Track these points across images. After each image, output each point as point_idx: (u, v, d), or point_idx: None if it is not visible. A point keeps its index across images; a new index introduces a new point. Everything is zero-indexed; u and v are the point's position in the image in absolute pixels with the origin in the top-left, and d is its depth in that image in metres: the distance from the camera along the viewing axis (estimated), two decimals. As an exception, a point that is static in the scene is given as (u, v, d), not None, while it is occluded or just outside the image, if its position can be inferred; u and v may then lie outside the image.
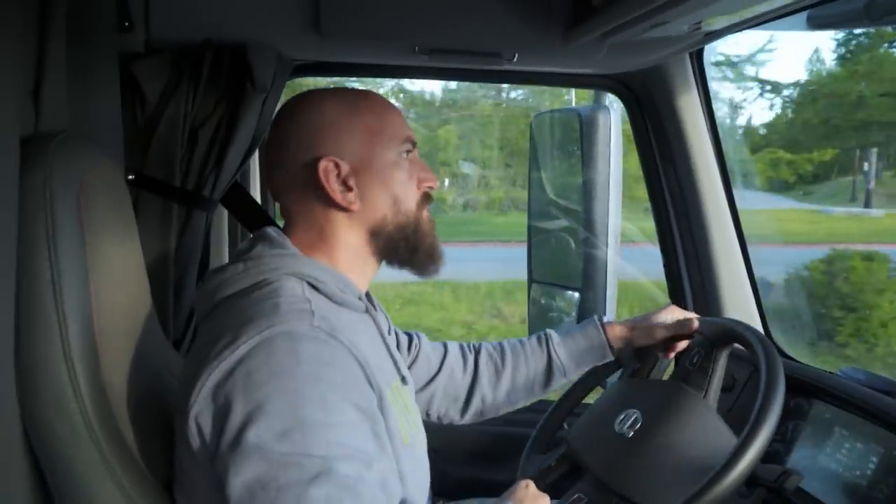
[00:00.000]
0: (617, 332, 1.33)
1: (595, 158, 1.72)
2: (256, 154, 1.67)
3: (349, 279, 1.01)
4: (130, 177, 1.34)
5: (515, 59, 1.43)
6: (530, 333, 2.03)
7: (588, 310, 1.76)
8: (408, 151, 1.04)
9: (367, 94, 1.06)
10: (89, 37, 1.19)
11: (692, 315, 1.31)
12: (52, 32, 0.99)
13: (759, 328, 1.64)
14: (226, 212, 1.62)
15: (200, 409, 0.83)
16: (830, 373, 1.36)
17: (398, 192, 1.03)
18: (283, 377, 0.81)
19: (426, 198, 1.07)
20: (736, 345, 1.22)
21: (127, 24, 1.32)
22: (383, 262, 1.07)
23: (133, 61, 1.36)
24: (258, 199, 1.71)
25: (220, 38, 1.36)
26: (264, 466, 0.77)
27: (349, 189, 1.00)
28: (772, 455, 1.25)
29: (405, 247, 1.05)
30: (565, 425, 1.55)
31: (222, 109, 1.36)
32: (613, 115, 1.71)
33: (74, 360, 0.86)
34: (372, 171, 1.01)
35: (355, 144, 1.00)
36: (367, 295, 1.10)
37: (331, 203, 0.99)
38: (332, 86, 1.48)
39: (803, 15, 1.29)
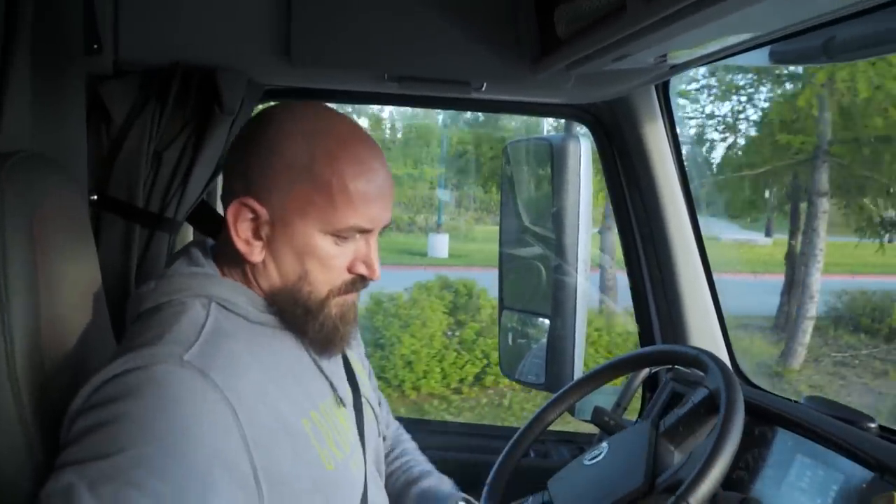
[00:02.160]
0: None
1: (566, 187, 1.74)
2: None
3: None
4: (93, 197, 1.33)
5: (484, 88, 1.45)
6: (500, 360, 2.04)
7: (557, 337, 1.77)
8: (353, 237, 0.93)
9: (345, 146, 0.91)
10: (57, 58, 1.18)
11: None
12: (16, 53, 0.98)
13: (725, 355, 1.65)
14: (191, 232, 1.61)
15: (65, 419, 0.82)
16: (795, 402, 1.38)
17: (311, 269, 0.93)
18: (127, 422, 0.77)
19: (352, 285, 0.96)
20: (697, 371, 1.23)
21: (95, 46, 1.32)
22: None
23: (101, 83, 1.35)
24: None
25: (189, 62, 1.36)
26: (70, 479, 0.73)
27: (258, 238, 0.92)
28: (735, 482, 1.26)
29: (292, 322, 0.95)
30: (532, 452, 1.55)
31: (188, 132, 1.36)
32: (584, 145, 1.74)
33: (20, 380, 0.84)
34: (289, 236, 0.91)
35: (288, 201, 0.90)
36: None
37: (235, 245, 0.92)
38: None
39: (766, 50, 1.32)
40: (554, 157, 1.77)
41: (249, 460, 0.83)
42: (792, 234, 8.87)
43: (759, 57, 1.37)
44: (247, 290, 0.95)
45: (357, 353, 1.17)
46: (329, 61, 1.38)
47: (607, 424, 1.35)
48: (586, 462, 1.21)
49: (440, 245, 13.35)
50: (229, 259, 0.97)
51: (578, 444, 1.83)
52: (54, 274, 0.92)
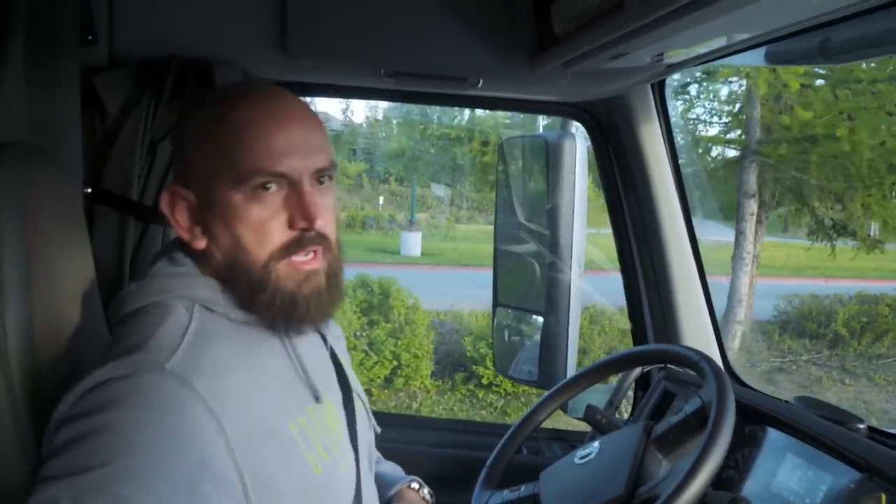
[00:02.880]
0: None
1: (560, 184, 1.74)
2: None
3: None
4: (88, 190, 1.33)
5: (480, 85, 1.45)
6: (494, 357, 2.04)
7: (551, 334, 1.77)
8: (275, 184, 0.87)
9: (237, 98, 0.89)
10: (51, 49, 1.17)
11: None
12: (10, 46, 0.98)
13: (717, 354, 1.66)
14: None
15: (49, 427, 0.80)
16: (785, 402, 1.38)
17: (243, 235, 0.88)
18: (111, 433, 0.76)
19: (296, 245, 0.89)
20: (689, 371, 1.24)
21: (90, 37, 1.31)
22: None
23: (96, 74, 1.35)
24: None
25: (185, 54, 1.36)
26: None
27: (197, 224, 0.90)
28: (725, 481, 1.26)
29: (250, 300, 0.90)
30: (524, 449, 1.55)
31: (183, 124, 1.35)
32: (579, 142, 1.74)
33: (13, 371, 0.84)
34: (213, 206, 0.88)
35: (201, 171, 0.88)
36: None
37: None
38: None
39: (762, 50, 1.32)
40: (549, 154, 1.77)
41: (236, 468, 0.82)
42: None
43: (755, 57, 1.37)
44: (218, 288, 0.92)
45: (340, 347, 1.16)
46: (325, 55, 1.37)
47: (599, 423, 1.36)
48: (577, 460, 1.22)
49: (413, 243, 13.15)
50: (195, 254, 0.94)
51: (570, 441, 1.83)
52: (48, 268, 0.92)
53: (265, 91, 0.91)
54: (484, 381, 6.97)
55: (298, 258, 0.90)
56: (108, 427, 0.76)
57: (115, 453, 0.74)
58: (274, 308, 0.90)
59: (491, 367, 6.85)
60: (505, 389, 6.93)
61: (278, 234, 0.89)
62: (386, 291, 7.58)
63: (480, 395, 6.97)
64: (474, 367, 7.14)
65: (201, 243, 0.91)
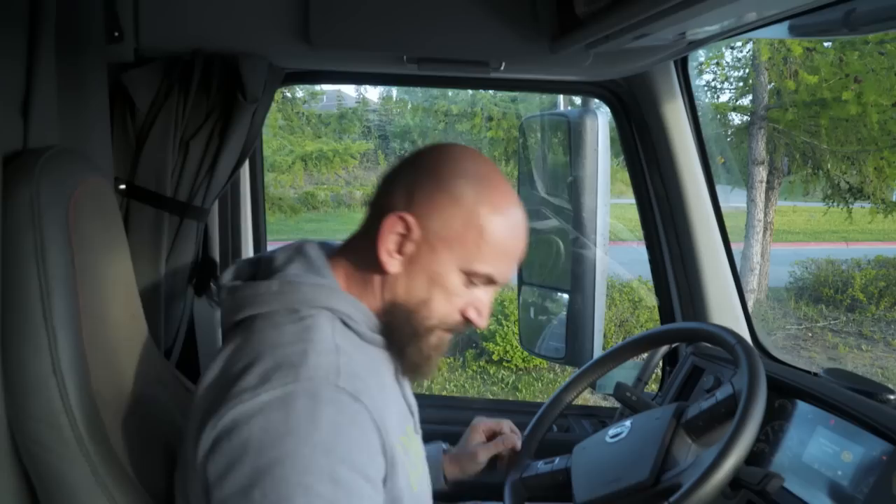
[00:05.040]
0: (448, 468, 1.31)
1: (583, 162, 1.75)
2: (247, 163, 1.68)
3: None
4: (122, 187, 1.35)
5: (503, 68, 1.45)
6: (520, 334, 2.06)
7: (577, 311, 1.79)
8: (480, 284, 0.99)
9: (506, 202, 0.98)
10: (78, 48, 1.18)
11: (498, 423, 1.36)
12: (41, 47, 0.99)
13: (745, 330, 1.66)
14: (217, 221, 1.63)
15: (212, 446, 0.83)
16: (814, 374, 1.39)
17: (435, 299, 0.97)
18: (298, 441, 0.80)
19: (460, 325, 1.01)
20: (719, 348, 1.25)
21: (116, 34, 1.33)
22: None
23: (122, 71, 1.36)
24: (248, 208, 1.72)
25: (209, 48, 1.37)
26: None
27: (400, 253, 0.96)
28: (756, 455, 1.27)
29: (397, 341, 0.99)
30: (554, 427, 1.58)
31: (213, 120, 1.37)
32: (601, 119, 1.74)
33: (64, 372, 0.87)
34: (430, 262, 0.96)
35: (443, 230, 0.95)
36: None
37: (375, 253, 0.96)
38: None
39: (785, 24, 1.31)
40: (571, 132, 1.77)
41: (385, 481, 0.89)
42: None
43: (780, 31, 1.35)
44: (363, 306, 0.98)
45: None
46: (348, 43, 1.38)
47: (629, 400, 1.38)
48: (608, 438, 1.24)
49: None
50: (356, 266, 0.99)
51: (600, 417, 1.85)
52: (89, 264, 0.94)
53: (518, 203, 1.00)
54: (494, 357, 6.97)
55: (450, 334, 1.02)
56: (293, 454, 0.80)
57: (302, 453, 0.80)
58: (417, 357, 0.99)
59: (501, 344, 6.88)
60: (516, 365, 6.93)
61: (455, 314, 0.99)
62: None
63: (492, 372, 6.96)
64: (484, 343, 7.16)
65: (395, 269, 0.96)
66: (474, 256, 0.95)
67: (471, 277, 0.97)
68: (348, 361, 0.88)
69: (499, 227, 0.96)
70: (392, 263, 0.96)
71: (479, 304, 1.00)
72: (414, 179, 0.97)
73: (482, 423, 1.36)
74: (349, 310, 0.95)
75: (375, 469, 0.86)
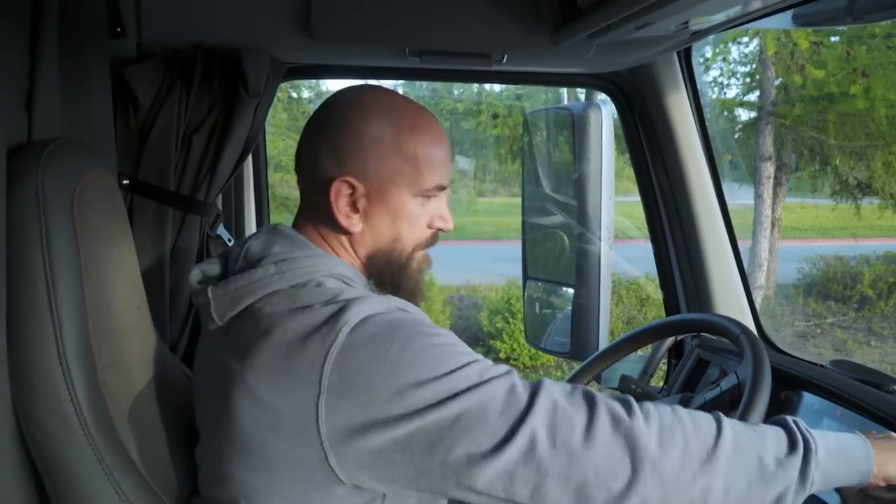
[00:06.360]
0: None
1: (587, 155, 1.74)
2: (250, 157, 1.67)
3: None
4: (125, 181, 1.35)
5: (505, 60, 1.44)
6: (525, 329, 2.06)
7: (582, 306, 1.78)
8: (435, 195, 1.04)
9: (419, 119, 1.02)
10: (81, 43, 1.19)
11: None
12: (44, 41, 0.99)
13: (751, 322, 1.66)
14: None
15: (326, 388, 0.84)
16: (821, 366, 1.38)
17: (403, 230, 1.03)
18: (420, 336, 0.86)
19: (431, 238, 1.07)
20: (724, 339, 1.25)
21: (119, 29, 1.33)
22: None
23: (124, 66, 1.36)
24: (252, 202, 1.73)
25: (212, 42, 1.37)
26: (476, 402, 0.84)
27: (355, 211, 1.00)
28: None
29: (389, 280, 1.05)
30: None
31: (216, 114, 1.37)
32: (605, 113, 1.73)
33: (70, 362, 0.87)
34: (385, 204, 1.00)
35: (382, 173, 0.99)
36: None
37: (334, 220, 1.00)
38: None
39: (789, 13, 1.30)
40: (575, 125, 1.77)
41: None
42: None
43: (783, 20, 1.35)
44: (352, 267, 1.02)
45: None
46: (350, 37, 1.38)
47: (635, 392, 1.37)
48: None
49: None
50: (322, 236, 1.03)
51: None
52: (94, 255, 0.94)
53: (427, 112, 1.05)
54: (501, 356, 6.98)
55: (426, 251, 1.07)
56: (434, 334, 0.88)
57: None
58: (404, 289, 1.05)
59: (507, 342, 6.87)
60: (523, 363, 6.94)
61: (425, 231, 1.05)
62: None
63: (499, 369, 7.00)
64: (491, 341, 7.16)
65: (357, 228, 1.01)
66: (419, 179, 1.00)
67: (424, 196, 1.02)
68: None
69: (426, 143, 1.01)
70: (353, 224, 1.00)
71: (440, 212, 1.06)
72: (334, 141, 1.00)
73: None
74: (347, 272, 0.99)
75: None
